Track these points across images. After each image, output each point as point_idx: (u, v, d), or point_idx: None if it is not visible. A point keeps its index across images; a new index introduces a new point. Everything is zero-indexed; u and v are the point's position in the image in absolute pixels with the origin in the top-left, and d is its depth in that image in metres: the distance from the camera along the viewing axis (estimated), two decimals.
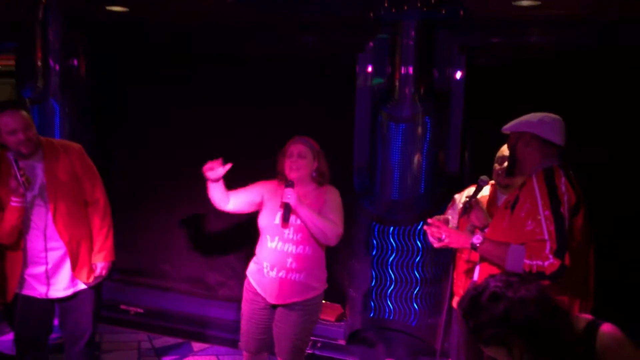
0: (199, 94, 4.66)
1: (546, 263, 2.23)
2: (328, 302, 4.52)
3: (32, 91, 4.60)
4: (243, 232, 4.71)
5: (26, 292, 3.13)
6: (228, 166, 3.05)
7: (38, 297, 3.14)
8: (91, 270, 3.23)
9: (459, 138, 3.91)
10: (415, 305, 3.81)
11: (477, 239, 2.43)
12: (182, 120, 4.68)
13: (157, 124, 4.79)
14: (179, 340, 4.47)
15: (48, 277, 3.13)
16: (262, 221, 3.11)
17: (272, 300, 3.07)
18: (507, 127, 2.61)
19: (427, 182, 3.79)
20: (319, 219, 3.00)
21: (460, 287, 2.93)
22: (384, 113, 3.83)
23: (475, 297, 1.61)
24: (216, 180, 3.09)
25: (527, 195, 2.38)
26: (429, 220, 2.61)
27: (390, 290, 3.83)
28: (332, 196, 3.14)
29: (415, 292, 3.80)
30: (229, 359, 4.22)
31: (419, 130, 3.79)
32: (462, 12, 3.72)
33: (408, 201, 3.81)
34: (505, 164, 2.76)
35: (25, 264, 3.09)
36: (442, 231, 2.55)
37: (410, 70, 3.78)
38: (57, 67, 4.56)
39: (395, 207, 3.85)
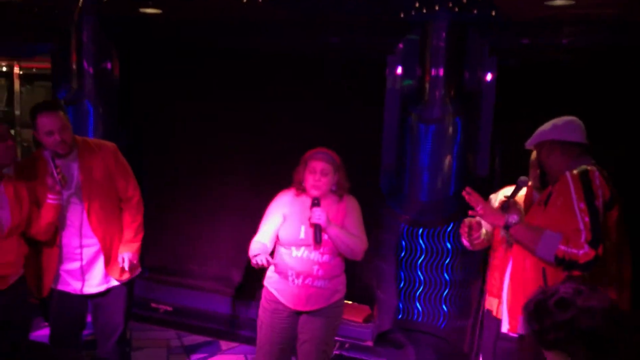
0: (228, 93, 4.71)
1: (581, 252, 2.26)
2: (356, 304, 4.54)
3: (67, 93, 4.72)
4: None
5: (61, 287, 3.20)
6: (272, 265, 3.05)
7: (72, 292, 3.21)
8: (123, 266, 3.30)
9: (489, 140, 3.88)
10: (444, 307, 3.79)
11: (512, 218, 2.46)
12: (212, 120, 4.73)
13: (186, 123, 4.86)
14: (208, 339, 4.52)
15: (83, 273, 3.20)
16: (285, 236, 3.08)
17: (297, 307, 3.09)
18: (528, 143, 2.68)
19: (456, 184, 3.77)
20: (347, 237, 3.04)
21: (493, 285, 2.91)
22: (414, 114, 3.82)
23: (542, 301, 1.60)
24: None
25: (561, 190, 2.40)
26: (468, 189, 2.63)
27: (419, 292, 3.82)
28: (353, 208, 3.16)
29: (444, 294, 3.78)
30: None
31: (449, 131, 3.77)
32: (493, 13, 3.70)
33: (437, 203, 3.80)
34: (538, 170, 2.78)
35: (60, 260, 3.16)
36: (479, 202, 2.56)
37: (441, 72, 3.77)
38: (91, 70, 4.67)
39: (424, 208, 3.83)
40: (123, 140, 4.07)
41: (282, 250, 3.11)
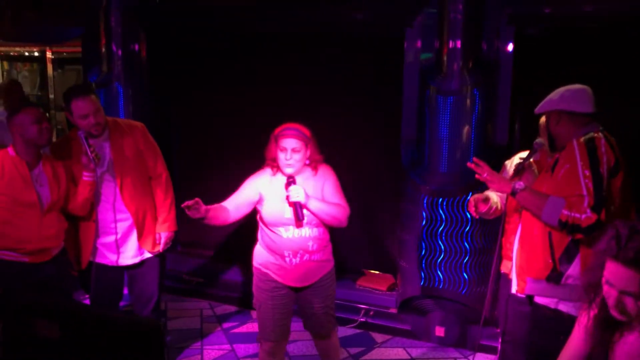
0: (254, 72, 4.81)
1: (583, 216, 2.34)
2: (380, 273, 4.67)
3: (98, 76, 4.88)
4: None
5: (99, 260, 3.41)
6: (204, 209, 2.87)
7: (109, 264, 3.42)
8: (155, 239, 3.48)
9: (507, 109, 3.92)
10: (465, 274, 3.89)
11: (519, 185, 2.55)
12: (238, 97, 4.84)
13: (213, 101, 4.99)
14: (238, 308, 4.72)
15: (118, 246, 3.40)
16: (269, 216, 3.04)
17: (296, 284, 3.11)
18: (537, 109, 2.74)
19: (476, 154, 3.82)
20: (329, 207, 3.03)
21: (508, 249, 3.00)
22: (432, 87, 3.88)
23: (617, 230, 1.68)
24: (203, 216, 2.90)
25: (567, 157, 2.48)
26: (475, 159, 2.71)
27: (440, 259, 3.92)
28: (329, 177, 3.13)
29: (464, 262, 3.87)
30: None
31: (468, 102, 3.82)
32: None
33: (457, 173, 3.86)
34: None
35: (97, 234, 3.36)
36: (484, 170, 2.66)
37: (459, 44, 3.80)
38: (120, 53, 4.81)
39: (444, 179, 3.91)
40: (152, 121, 4.22)
41: (270, 234, 3.08)
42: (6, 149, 3.07)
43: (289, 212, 3.00)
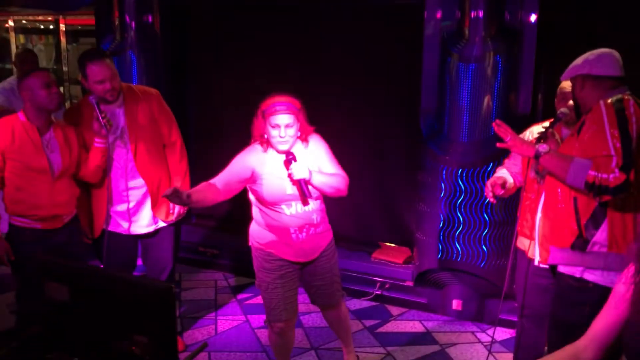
0: (269, 42, 4.72)
1: (611, 176, 2.24)
2: (396, 246, 4.61)
3: (111, 44, 4.82)
4: None
5: (112, 228, 3.37)
6: (185, 195, 2.61)
7: (122, 233, 3.38)
8: (169, 208, 3.44)
9: (531, 78, 3.79)
10: (484, 247, 3.81)
11: (542, 147, 2.46)
12: (252, 68, 4.77)
13: (228, 71, 4.92)
14: (252, 280, 4.67)
15: (130, 215, 3.36)
16: (270, 195, 2.86)
17: (304, 259, 3.00)
18: (563, 77, 2.64)
19: None
20: (331, 179, 2.88)
21: (524, 226, 2.91)
22: (454, 54, 3.76)
23: None
24: (185, 202, 2.66)
25: (594, 118, 2.38)
26: (497, 121, 2.62)
27: (458, 232, 3.84)
28: (321, 147, 2.98)
29: (484, 234, 3.79)
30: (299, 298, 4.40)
31: (489, 70, 3.70)
32: None
33: (477, 143, 3.76)
34: (571, 102, 2.75)
35: (110, 202, 3.32)
36: (507, 133, 2.57)
37: (481, 14, 3.68)
38: (133, 23, 4.74)
39: (464, 149, 3.81)
40: (167, 91, 4.14)
41: (271, 212, 2.92)
42: (16, 113, 3.02)
43: (290, 189, 2.84)
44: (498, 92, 3.73)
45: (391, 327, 4.03)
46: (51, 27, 7.21)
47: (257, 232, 3.03)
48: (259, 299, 4.36)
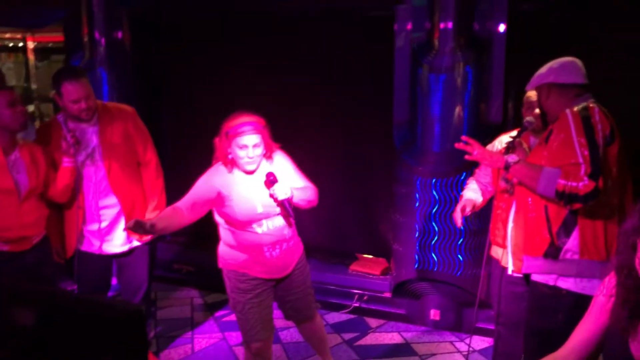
0: (238, 54, 4.71)
1: (580, 184, 2.27)
2: (373, 257, 4.60)
3: (80, 61, 4.76)
4: None
5: (85, 248, 3.31)
6: (148, 225, 2.53)
7: (95, 252, 3.31)
8: None
9: (501, 87, 3.84)
10: (459, 256, 3.82)
11: (511, 158, 2.48)
12: (225, 81, 4.75)
13: (200, 86, 4.89)
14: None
15: (102, 234, 3.30)
16: (242, 216, 2.79)
17: (279, 275, 2.97)
18: (528, 86, 2.68)
19: (469, 133, 3.73)
20: (304, 192, 2.88)
21: (497, 236, 2.93)
22: (424, 65, 3.79)
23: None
24: (149, 232, 2.58)
25: (561, 127, 2.41)
26: (463, 137, 2.64)
27: (434, 242, 3.85)
28: (287, 161, 2.97)
29: (459, 243, 3.80)
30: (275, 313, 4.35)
31: (460, 80, 3.73)
32: None
33: (450, 153, 3.79)
34: (537, 110, 2.78)
35: (84, 221, 3.26)
36: (474, 148, 2.58)
37: (450, 25, 3.72)
38: (103, 40, 4.69)
39: (437, 159, 3.83)
40: (138, 107, 4.10)
41: (242, 233, 2.86)
42: None
43: (260, 207, 2.80)
44: (469, 102, 3.77)
45: (370, 339, 4.01)
46: (20, 44, 7.09)
47: (228, 253, 2.97)
48: (233, 316, 4.32)
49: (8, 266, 2.93)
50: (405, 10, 3.95)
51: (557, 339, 1.94)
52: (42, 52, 6.96)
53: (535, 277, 2.57)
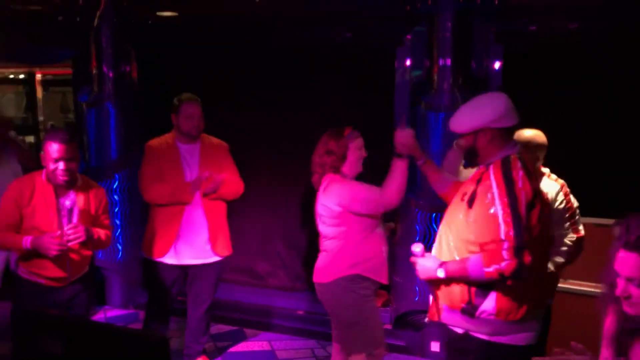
0: (244, 92, 4.84)
1: (503, 264, 2.23)
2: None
3: (89, 96, 4.88)
4: (290, 223, 4.89)
5: (161, 257, 3.71)
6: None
7: (170, 264, 3.72)
8: (227, 244, 3.87)
9: None
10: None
11: (440, 272, 2.46)
12: (231, 117, 4.86)
13: (207, 120, 5.00)
14: (232, 328, 4.68)
15: (185, 245, 3.71)
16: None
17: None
18: (459, 127, 2.56)
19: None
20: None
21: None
22: (424, 103, 3.94)
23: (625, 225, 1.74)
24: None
25: (485, 193, 2.37)
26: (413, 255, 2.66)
27: None
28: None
29: None
30: (280, 344, 4.40)
31: None
32: (496, 1, 3.80)
33: None
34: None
35: (178, 234, 3.66)
36: (413, 260, 2.61)
37: (448, 62, 3.88)
38: (111, 74, 4.82)
39: (437, 194, 3.93)
40: (147, 139, 4.20)
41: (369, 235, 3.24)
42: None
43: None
44: None
45: None
46: (22, 76, 7.20)
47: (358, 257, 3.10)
48: (239, 347, 4.36)
49: (41, 298, 2.96)
50: (405, 50, 4.11)
51: None
52: (44, 84, 7.10)
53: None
